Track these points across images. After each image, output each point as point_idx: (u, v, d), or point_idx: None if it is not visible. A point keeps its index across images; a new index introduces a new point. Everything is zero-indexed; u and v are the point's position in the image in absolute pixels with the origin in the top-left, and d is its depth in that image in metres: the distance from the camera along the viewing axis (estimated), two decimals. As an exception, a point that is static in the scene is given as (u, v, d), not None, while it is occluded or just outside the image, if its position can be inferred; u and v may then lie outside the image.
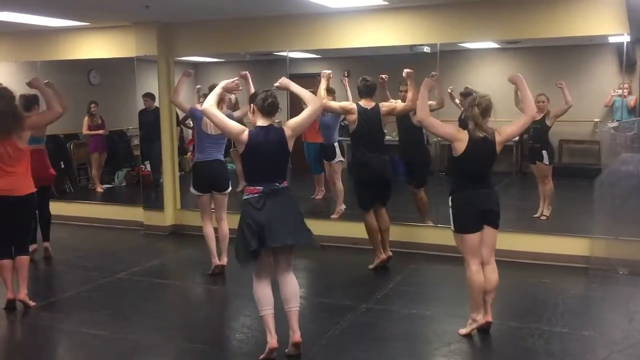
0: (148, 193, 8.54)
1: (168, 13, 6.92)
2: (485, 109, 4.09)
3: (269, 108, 3.90)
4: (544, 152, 7.15)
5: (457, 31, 6.35)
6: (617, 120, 7.40)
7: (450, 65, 7.95)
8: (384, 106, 5.88)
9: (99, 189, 9.62)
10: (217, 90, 4.12)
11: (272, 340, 3.90)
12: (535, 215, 7.18)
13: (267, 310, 3.94)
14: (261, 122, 3.91)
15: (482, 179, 4.20)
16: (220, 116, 3.91)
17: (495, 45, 8.29)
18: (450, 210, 4.21)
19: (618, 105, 7.90)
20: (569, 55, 8.63)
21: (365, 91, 5.76)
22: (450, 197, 4.22)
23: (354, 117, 5.69)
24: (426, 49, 6.75)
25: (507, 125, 4.24)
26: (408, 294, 5.27)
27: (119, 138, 10.30)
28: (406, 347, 4.25)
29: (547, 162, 7.19)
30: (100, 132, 9.60)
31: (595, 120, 8.85)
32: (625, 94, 7.63)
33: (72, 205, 8.61)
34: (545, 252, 6.07)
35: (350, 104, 5.84)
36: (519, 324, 4.51)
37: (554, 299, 5.09)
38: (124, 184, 10.06)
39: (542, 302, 4.99)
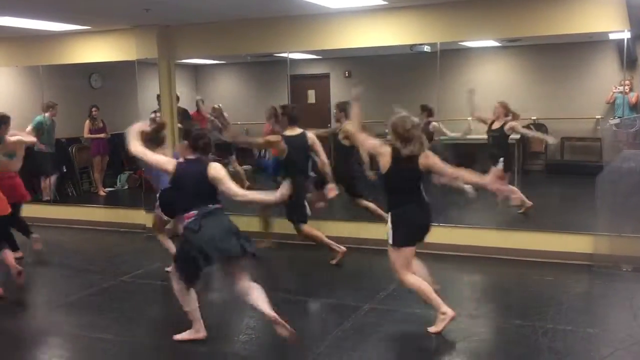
0: (150, 196, 8.54)
1: (168, 16, 6.93)
2: (406, 138, 4.09)
3: (202, 146, 4.16)
4: (501, 160, 7.06)
5: (458, 30, 6.35)
6: (618, 117, 7.40)
7: (451, 64, 7.96)
8: (310, 139, 5.93)
9: (102, 193, 9.64)
10: (133, 134, 4.27)
11: (202, 330, 4.25)
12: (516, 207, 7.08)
13: (195, 305, 4.25)
14: (190, 155, 4.18)
15: (413, 193, 4.23)
16: (149, 155, 4.22)
17: (496, 44, 8.30)
18: (390, 225, 4.21)
19: (619, 102, 7.90)
20: (569, 53, 8.64)
21: (289, 120, 5.94)
22: (390, 213, 4.23)
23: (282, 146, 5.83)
24: (426, 48, 6.76)
25: (438, 161, 4.15)
26: (411, 293, 5.24)
27: (120, 141, 10.29)
28: (410, 347, 4.25)
29: (502, 168, 7.10)
30: (102, 135, 9.62)
31: (597, 117, 8.85)
32: (627, 90, 7.62)
33: (74, 208, 8.63)
34: (548, 249, 6.06)
35: (276, 137, 5.93)
36: (523, 321, 4.50)
37: (557, 296, 5.09)
38: (126, 187, 10.07)
39: (546, 300, 4.98)
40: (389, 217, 4.24)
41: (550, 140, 7.01)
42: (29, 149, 8.92)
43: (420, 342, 4.30)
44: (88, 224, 8.25)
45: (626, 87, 7.52)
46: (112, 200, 9.48)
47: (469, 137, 9.40)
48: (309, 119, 10.07)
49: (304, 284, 5.90)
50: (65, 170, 9.51)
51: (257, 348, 4.30)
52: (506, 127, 7.10)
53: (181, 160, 4.25)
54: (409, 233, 4.21)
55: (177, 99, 8.21)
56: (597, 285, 5.45)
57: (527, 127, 9.41)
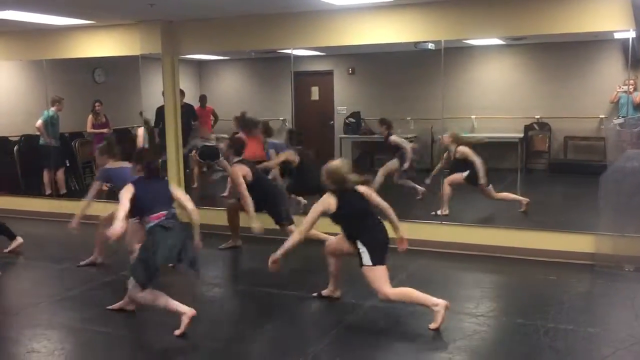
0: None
1: (172, 11, 6.93)
2: (342, 181, 4.48)
3: (154, 168, 4.67)
4: (467, 172, 7.10)
5: (462, 27, 6.34)
6: (622, 117, 7.38)
7: (455, 62, 7.93)
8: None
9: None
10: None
11: (188, 310, 4.29)
12: (436, 213, 7.03)
13: (165, 297, 4.36)
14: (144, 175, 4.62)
15: (369, 217, 4.56)
16: (123, 207, 4.44)
17: (500, 42, 8.27)
18: (364, 249, 4.40)
19: (623, 101, 7.88)
20: (574, 52, 8.62)
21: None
22: (359, 241, 4.42)
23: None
24: (430, 46, 6.75)
25: (374, 194, 4.59)
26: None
27: (123, 136, 10.30)
28: (411, 344, 4.25)
29: (464, 177, 7.12)
30: (105, 130, 9.62)
31: (601, 116, 8.83)
32: (631, 90, 7.60)
33: (77, 203, 8.61)
34: (551, 249, 6.05)
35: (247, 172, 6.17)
36: (524, 320, 4.50)
37: (559, 295, 5.08)
38: (129, 181, 10.07)
39: (548, 299, 4.98)
40: (359, 244, 4.42)
41: (482, 179, 7.06)
42: (32, 142, 9.04)
43: (421, 340, 4.29)
44: (90, 219, 8.22)
45: (630, 87, 7.50)
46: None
47: (473, 135, 9.39)
48: (313, 116, 10.08)
49: (304, 281, 5.90)
50: (68, 164, 9.53)
51: (258, 344, 4.31)
52: (457, 155, 7.14)
53: (135, 177, 4.69)
54: (382, 252, 4.44)
55: (183, 94, 8.22)
56: (598, 285, 5.44)
57: (530, 127, 9.42)
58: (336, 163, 4.58)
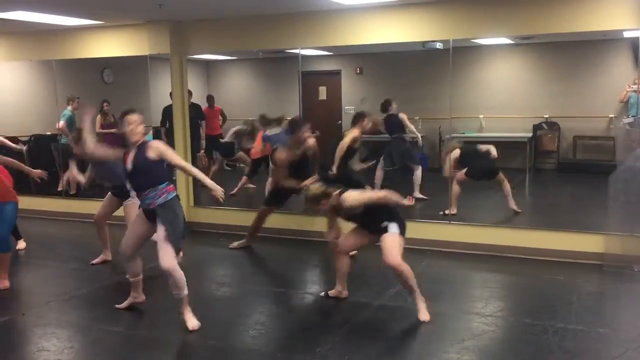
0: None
1: (181, 11, 6.95)
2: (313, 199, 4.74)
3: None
4: (466, 168, 7.20)
5: (470, 27, 6.32)
6: (632, 116, 7.35)
7: (464, 61, 7.92)
8: None
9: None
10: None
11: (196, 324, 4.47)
12: (445, 212, 7.05)
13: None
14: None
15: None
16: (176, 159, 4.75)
17: (509, 41, 8.26)
18: (396, 225, 4.59)
19: (633, 101, 7.84)
20: (583, 51, 8.59)
21: None
22: (386, 221, 4.59)
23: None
24: (439, 45, 6.73)
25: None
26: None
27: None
28: (419, 344, 4.25)
29: (464, 174, 7.21)
30: (113, 130, 9.66)
31: (610, 116, 8.80)
32: (640, 89, 7.56)
33: (86, 203, 8.68)
34: (559, 248, 6.03)
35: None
36: (533, 320, 4.49)
37: (568, 295, 5.07)
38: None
39: (556, 299, 4.97)
40: (385, 223, 4.58)
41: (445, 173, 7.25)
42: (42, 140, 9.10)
43: (429, 339, 4.30)
44: (89, 217, 8.27)
45: (640, 86, 7.46)
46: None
47: (481, 134, 9.38)
48: (320, 116, 10.08)
49: (312, 280, 5.91)
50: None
51: (266, 342, 4.32)
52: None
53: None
54: (404, 229, 4.68)
55: (190, 94, 8.24)
56: (608, 285, 5.41)
57: (539, 126, 9.40)
58: (315, 186, 4.78)
